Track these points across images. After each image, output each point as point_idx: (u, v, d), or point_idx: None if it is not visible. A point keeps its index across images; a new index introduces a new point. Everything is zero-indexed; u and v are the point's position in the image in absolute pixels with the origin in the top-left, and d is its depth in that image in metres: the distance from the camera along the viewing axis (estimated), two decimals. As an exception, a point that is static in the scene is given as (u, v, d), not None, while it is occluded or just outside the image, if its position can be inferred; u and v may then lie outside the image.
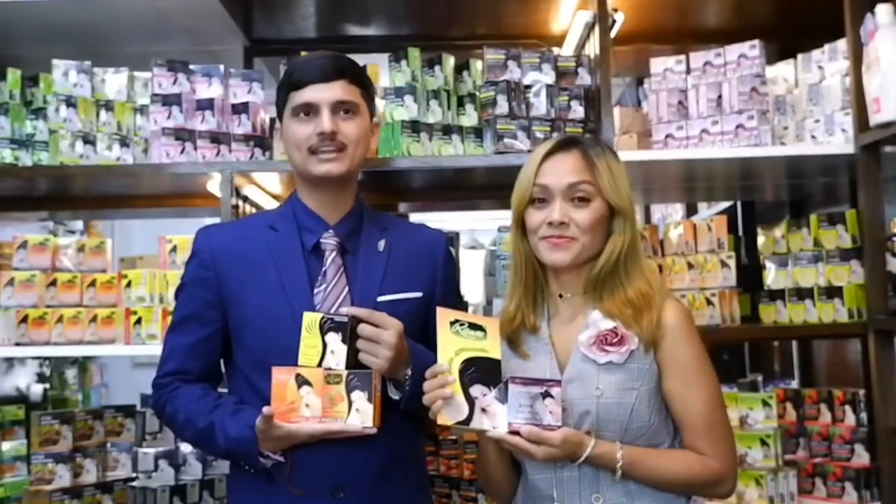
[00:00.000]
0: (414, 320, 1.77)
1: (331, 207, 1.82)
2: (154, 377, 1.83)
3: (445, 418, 1.55)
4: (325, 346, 1.65)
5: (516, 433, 1.53)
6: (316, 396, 1.63)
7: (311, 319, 1.65)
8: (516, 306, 1.72)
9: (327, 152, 1.75)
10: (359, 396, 1.63)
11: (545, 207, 1.66)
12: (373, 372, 1.65)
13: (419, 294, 1.81)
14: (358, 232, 1.84)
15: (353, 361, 1.66)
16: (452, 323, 1.61)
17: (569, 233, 1.64)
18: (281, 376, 1.64)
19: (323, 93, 1.75)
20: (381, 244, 1.83)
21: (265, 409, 1.60)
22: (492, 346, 1.61)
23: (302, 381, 1.64)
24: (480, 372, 1.58)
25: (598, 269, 1.66)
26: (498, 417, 1.55)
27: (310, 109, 1.76)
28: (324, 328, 1.65)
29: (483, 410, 1.55)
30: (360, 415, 1.63)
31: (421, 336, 1.78)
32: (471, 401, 1.56)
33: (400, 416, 1.72)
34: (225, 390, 1.87)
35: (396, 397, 1.71)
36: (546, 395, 1.54)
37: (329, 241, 1.80)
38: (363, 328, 1.66)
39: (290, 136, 1.80)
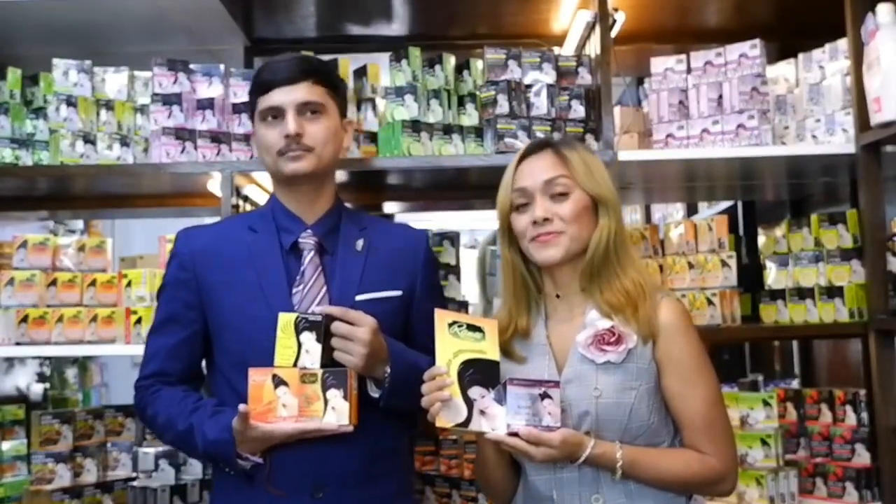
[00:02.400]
0: (393, 319, 1.78)
1: (308, 207, 1.83)
2: (136, 379, 1.84)
3: (444, 421, 1.54)
4: (300, 345, 1.65)
5: (515, 435, 1.53)
6: (292, 396, 1.64)
7: (285, 320, 1.66)
8: (507, 315, 1.73)
9: (293, 151, 1.77)
10: (334, 395, 1.64)
11: (528, 210, 1.68)
12: (347, 370, 1.65)
13: (398, 293, 1.82)
14: (336, 231, 1.84)
15: (328, 360, 1.66)
16: (451, 325, 1.61)
17: (554, 227, 1.65)
18: (257, 377, 1.65)
19: (287, 95, 1.77)
20: (360, 243, 1.84)
21: (241, 407, 1.60)
22: (490, 348, 1.61)
23: (278, 382, 1.64)
24: (479, 373, 1.57)
25: (590, 257, 1.66)
26: (496, 419, 1.55)
27: (276, 112, 1.78)
28: (298, 328, 1.66)
29: (482, 412, 1.55)
30: (335, 413, 1.63)
31: (401, 334, 1.78)
32: (469, 403, 1.55)
33: (380, 415, 1.72)
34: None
35: (376, 395, 1.71)
36: (545, 396, 1.54)
37: (307, 240, 1.81)
38: (337, 326, 1.66)
39: (260, 139, 1.83)
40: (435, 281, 1.98)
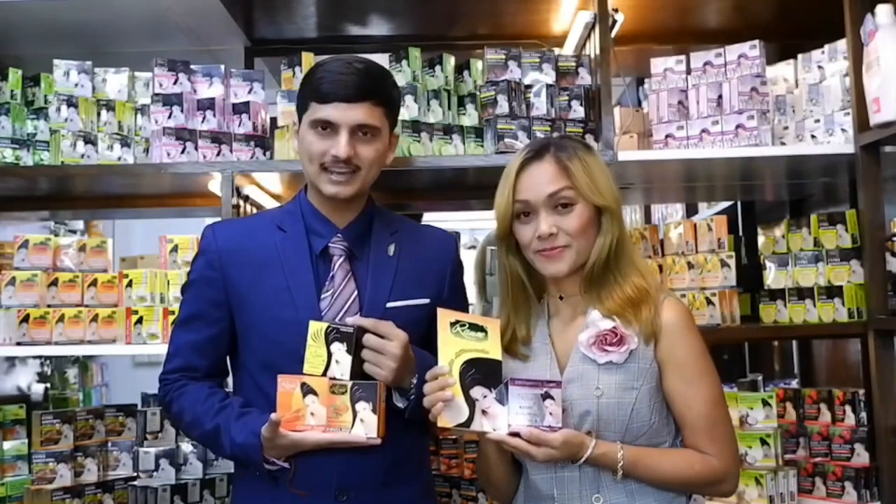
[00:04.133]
0: (420, 326, 1.77)
1: (340, 211, 1.80)
2: (161, 372, 1.82)
3: (446, 421, 1.55)
4: (330, 355, 1.64)
5: (517, 435, 1.53)
6: (321, 406, 1.64)
7: (316, 328, 1.65)
8: (506, 322, 1.72)
9: (339, 174, 1.73)
10: (363, 407, 1.63)
11: (531, 221, 1.66)
12: (378, 383, 1.65)
13: (427, 301, 1.80)
14: (367, 236, 1.82)
15: (357, 371, 1.65)
16: (453, 324, 1.61)
17: (559, 242, 1.64)
18: (286, 385, 1.64)
19: (344, 114, 1.70)
20: (391, 249, 1.81)
21: (272, 416, 1.60)
22: (493, 347, 1.61)
23: (307, 390, 1.64)
24: (481, 373, 1.58)
25: (589, 268, 1.66)
26: (498, 419, 1.55)
27: (329, 126, 1.72)
28: (329, 337, 1.64)
29: (483, 412, 1.55)
30: (364, 425, 1.63)
31: (426, 342, 1.77)
32: (471, 402, 1.56)
33: (404, 420, 1.72)
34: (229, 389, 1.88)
35: (402, 405, 1.71)
36: (546, 396, 1.54)
37: (337, 245, 1.78)
38: (368, 339, 1.65)
39: (305, 145, 1.76)
40: (461, 284, 1.95)
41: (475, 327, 1.62)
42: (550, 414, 1.53)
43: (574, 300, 1.70)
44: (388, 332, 1.66)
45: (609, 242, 1.65)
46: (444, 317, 1.62)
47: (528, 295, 1.73)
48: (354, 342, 1.65)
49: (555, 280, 1.71)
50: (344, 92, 1.71)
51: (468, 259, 2.86)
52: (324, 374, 1.64)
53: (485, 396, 1.56)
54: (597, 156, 1.72)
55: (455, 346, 1.59)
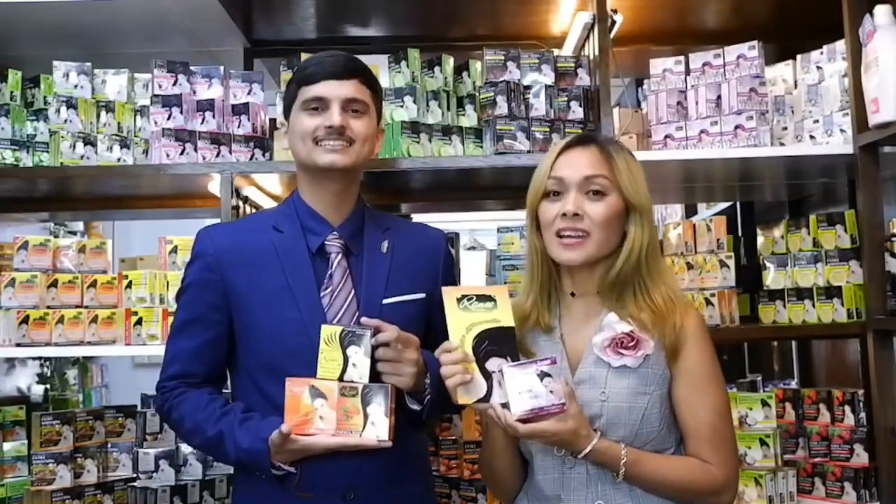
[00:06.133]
0: (418, 321, 1.78)
1: (334, 207, 1.81)
2: (158, 380, 1.81)
3: (465, 398, 1.53)
4: (346, 359, 1.64)
5: (524, 421, 1.50)
6: (330, 409, 1.62)
7: (330, 332, 1.64)
8: (532, 304, 1.69)
9: (334, 144, 1.75)
10: (375, 410, 1.63)
11: (559, 200, 1.64)
12: (389, 385, 1.64)
13: (422, 295, 1.81)
14: (361, 233, 1.83)
15: (373, 373, 1.65)
16: (459, 299, 1.59)
17: (582, 225, 1.61)
18: (294, 388, 1.63)
19: (335, 89, 1.75)
20: (385, 245, 1.82)
21: (283, 427, 1.60)
22: (504, 315, 1.58)
23: (316, 394, 1.63)
24: (495, 344, 1.56)
25: (618, 269, 1.63)
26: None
27: (320, 104, 1.75)
28: (344, 341, 1.64)
29: (500, 384, 1.53)
30: (375, 428, 1.62)
31: (424, 335, 1.77)
32: (488, 376, 1.54)
33: (407, 419, 1.72)
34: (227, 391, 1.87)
35: (417, 408, 1.71)
36: (543, 375, 1.50)
37: (334, 242, 1.79)
38: (385, 351, 1.65)
39: (296, 127, 1.78)
40: (453, 279, 1.97)
41: (483, 298, 1.59)
42: (552, 392, 1.49)
43: (588, 299, 1.68)
44: (406, 339, 1.67)
45: (638, 246, 1.63)
46: (450, 293, 1.59)
47: (553, 278, 1.70)
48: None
49: (570, 273, 1.68)
50: (332, 69, 1.76)
51: (469, 260, 2.87)
52: (340, 379, 1.63)
53: (500, 369, 1.53)
54: (637, 161, 1.71)
55: (465, 321, 1.57)
